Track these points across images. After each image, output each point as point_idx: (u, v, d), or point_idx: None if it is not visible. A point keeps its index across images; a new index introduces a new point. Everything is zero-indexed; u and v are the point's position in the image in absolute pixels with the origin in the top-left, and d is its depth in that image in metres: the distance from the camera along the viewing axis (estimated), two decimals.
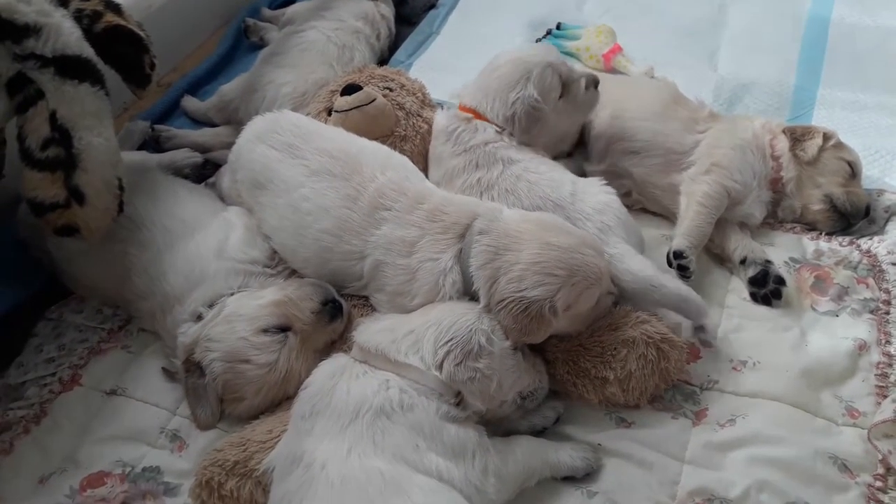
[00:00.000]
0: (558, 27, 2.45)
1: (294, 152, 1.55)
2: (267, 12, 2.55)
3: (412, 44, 2.45)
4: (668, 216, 1.79)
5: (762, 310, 1.59)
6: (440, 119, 1.74)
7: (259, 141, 1.61)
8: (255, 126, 1.65)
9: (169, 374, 1.49)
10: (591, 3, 2.61)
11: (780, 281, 1.61)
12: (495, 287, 1.32)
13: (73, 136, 1.42)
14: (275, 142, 1.59)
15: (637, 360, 1.36)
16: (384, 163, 1.53)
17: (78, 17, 1.49)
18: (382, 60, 2.35)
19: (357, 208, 1.46)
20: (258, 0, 2.59)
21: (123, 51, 1.56)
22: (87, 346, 1.55)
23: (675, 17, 2.52)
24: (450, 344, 1.26)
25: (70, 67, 1.42)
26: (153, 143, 2.02)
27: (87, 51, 1.47)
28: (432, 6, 2.61)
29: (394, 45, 2.45)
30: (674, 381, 1.44)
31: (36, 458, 1.38)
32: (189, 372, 1.42)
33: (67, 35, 1.43)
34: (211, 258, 1.52)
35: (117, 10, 1.58)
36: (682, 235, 1.65)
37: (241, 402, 1.40)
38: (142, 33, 1.60)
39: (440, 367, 1.25)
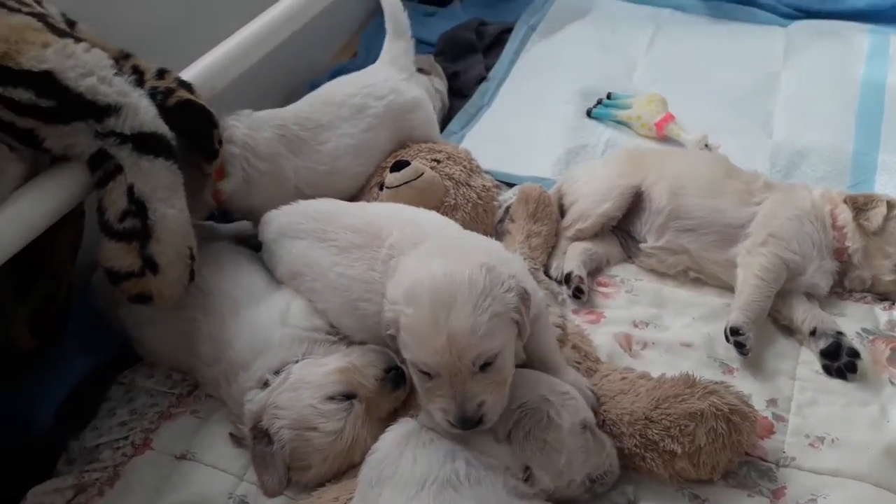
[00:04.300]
0: (609, 97, 2.48)
1: (321, 236, 1.59)
2: None
3: (465, 116, 2.51)
4: (728, 290, 1.76)
5: (836, 383, 1.54)
6: None
7: (284, 237, 1.65)
8: (278, 222, 1.68)
9: (236, 439, 1.50)
10: (641, 72, 2.65)
11: (854, 353, 1.56)
12: None
13: (149, 207, 1.48)
14: (300, 232, 1.62)
15: (706, 435, 1.32)
16: (402, 221, 1.54)
17: (153, 94, 1.57)
18: None
19: (379, 267, 1.46)
20: (318, 77, 2.69)
21: (194, 125, 1.62)
22: (157, 410, 1.58)
23: (727, 83, 2.53)
24: (518, 412, 1.25)
25: (146, 143, 1.49)
26: (220, 215, 2.09)
27: (162, 128, 1.53)
28: (483, 79, 2.68)
29: (447, 118, 2.51)
30: (746, 453, 1.39)
31: None
32: (256, 439, 1.43)
33: (144, 113, 1.50)
34: (275, 326, 1.55)
35: (189, 88, 1.66)
36: (739, 310, 1.62)
37: (307, 470, 1.40)
38: (211, 109, 1.67)
39: (508, 437, 1.23)
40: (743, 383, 1.50)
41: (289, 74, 2.59)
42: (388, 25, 2.07)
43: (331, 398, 1.40)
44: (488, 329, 1.19)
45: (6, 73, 1.35)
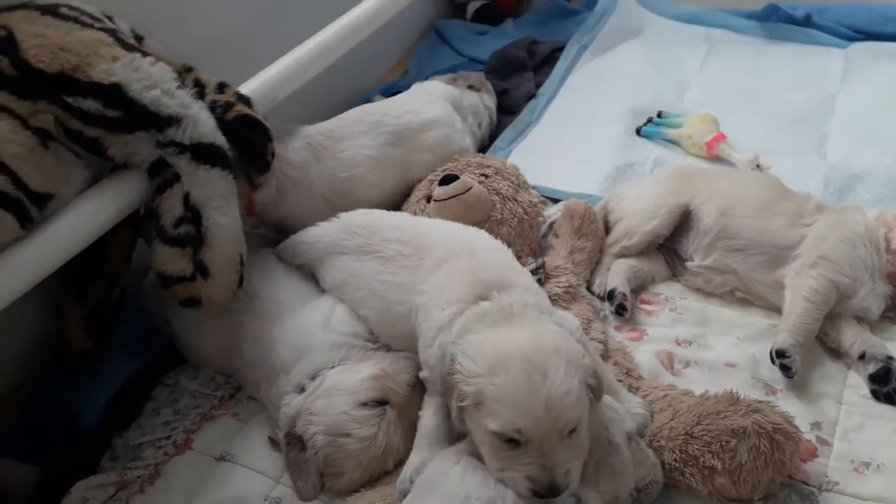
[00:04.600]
0: (659, 115, 2.47)
1: (365, 249, 1.62)
2: (379, 99, 2.68)
3: (512, 132, 2.52)
4: (775, 311, 1.73)
5: (885, 408, 1.50)
6: None
7: (330, 255, 1.69)
8: (322, 242, 1.71)
9: (274, 443, 1.53)
10: (693, 92, 2.63)
11: None
12: None
13: (203, 215, 1.54)
14: (344, 248, 1.66)
15: (748, 452, 1.30)
16: (450, 236, 1.58)
17: (213, 107, 1.63)
18: (483, 148, 2.43)
19: (420, 274, 1.50)
20: (369, 91, 2.76)
21: (250, 138, 1.68)
22: (199, 411, 1.62)
23: (781, 105, 2.49)
24: None
25: (204, 154, 1.55)
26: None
27: (220, 139, 1.59)
28: (532, 96, 2.70)
29: (494, 134, 2.53)
30: (789, 473, 1.36)
31: None
32: (290, 445, 1.46)
33: (204, 125, 1.56)
34: (317, 330, 1.58)
35: (247, 102, 1.72)
36: (786, 332, 1.59)
37: (341, 476, 1.42)
38: (267, 123, 1.73)
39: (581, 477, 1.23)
40: (787, 405, 1.46)
41: (340, 91, 2.66)
42: None
43: (364, 404, 1.42)
44: (578, 394, 1.21)
45: (77, 85, 1.43)
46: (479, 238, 1.60)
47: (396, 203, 2.01)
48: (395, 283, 1.53)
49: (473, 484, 1.22)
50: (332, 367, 1.52)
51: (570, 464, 1.21)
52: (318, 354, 1.54)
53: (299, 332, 1.58)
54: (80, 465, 1.53)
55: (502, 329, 1.29)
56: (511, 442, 1.21)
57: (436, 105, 2.16)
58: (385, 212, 1.78)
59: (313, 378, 1.51)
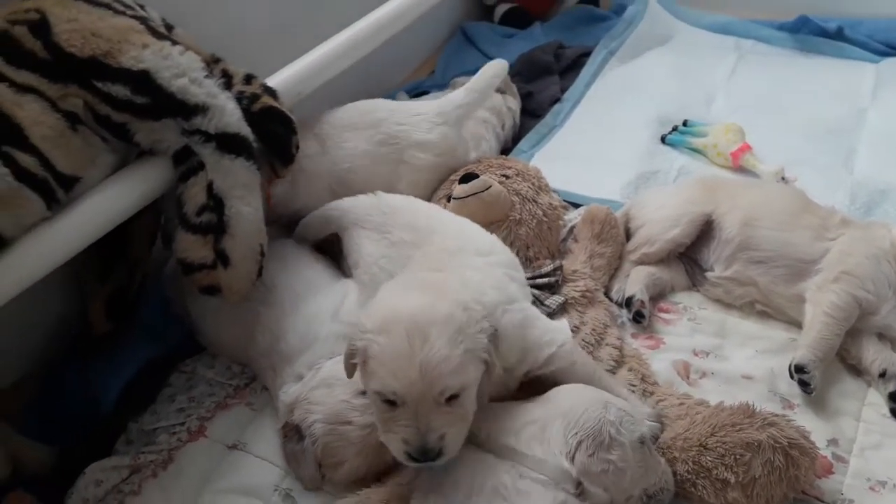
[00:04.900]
0: (685, 124, 2.46)
1: (382, 229, 1.65)
2: (402, 99, 2.67)
3: (536, 135, 2.51)
4: (795, 325, 1.71)
5: None
6: None
7: (356, 227, 1.71)
8: (354, 212, 1.74)
9: None
10: (721, 102, 2.61)
11: None
12: None
13: (226, 204, 1.55)
14: (367, 223, 1.68)
15: (763, 466, 1.28)
16: (453, 233, 1.60)
17: (239, 98, 1.64)
18: (505, 150, 2.43)
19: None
20: (394, 90, 2.77)
21: (275, 129, 1.69)
22: (214, 400, 1.63)
23: (809, 117, 2.46)
24: (579, 435, 1.24)
25: (229, 143, 1.56)
26: None
27: (245, 129, 1.60)
28: (557, 100, 2.69)
29: (517, 136, 2.53)
30: (803, 490, 1.34)
31: (160, 502, 1.45)
32: (287, 437, 1.46)
33: (230, 115, 1.57)
34: (326, 321, 1.59)
35: (273, 94, 1.73)
36: (806, 347, 1.58)
37: (341, 466, 1.41)
38: (292, 116, 1.74)
39: (572, 458, 1.23)
40: (804, 420, 1.44)
41: (366, 88, 2.65)
42: (474, 82, 2.06)
43: (363, 393, 1.40)
44: (459, 364, 1.22)
45: (107, 70, 1.45)
46: (481, 245, 1.59)
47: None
48: (390, 273, 1.54)
49: (469, 475, 1.24)
50: (331, 358, 1.51)
51: (447, 430, 1.23)
52: (324, 345, 1.54)
53: (309, 322, 1.59)
54: (96, 447, 1.55)
55: (403, 289, 1.33)
56: (391, 403, 1.24)
57: (437, 130, 1.98)
58: (419, 200, 1.78)
59: (312, 368, 1.51)
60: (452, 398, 1.23)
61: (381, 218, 1.67)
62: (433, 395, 1.21)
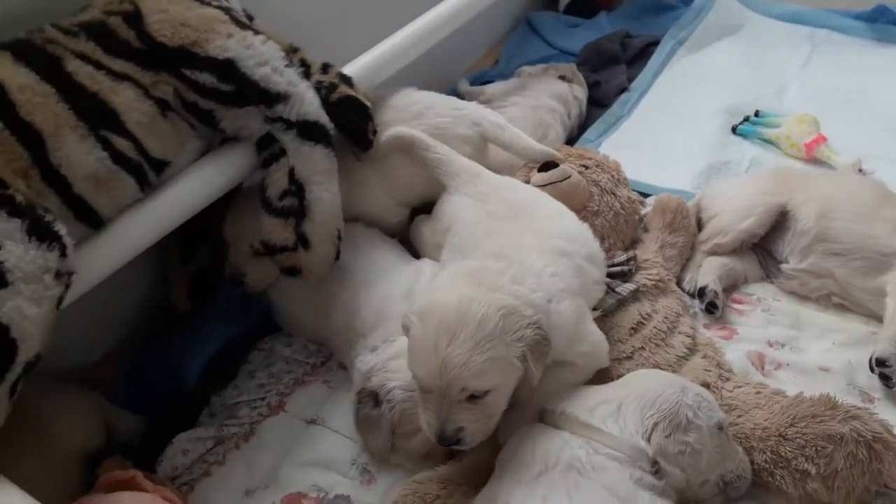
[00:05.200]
0: (757, 114, 2.41)
1: (482, 199, 1.68)
2: (465, 87, 2.67)
3: (602, 125, 2.50)
4: (874, 319, 1.68)
5: None
6: None
7: (457, 193, 1.74)
8: (458, 180, 1.77)
9: None
10: (794, 93, 2.56)
11: None
12: None
13: (306, 189, 1.60)
14: (469, 191, 1.72)
15: (845, 459, 1.27)
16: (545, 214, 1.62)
17: (318, 87, 1.69)
18: (572, 139, 2.42)
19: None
20: (456, 80, 2.77)
21: (352, 118, 1.73)
22: (293, 376, 1.69)
23: (886, 109, 2.40)
24: (656, 416, 1.25)
25: (309, 131, 1.61)
26: None
27: (324, 117, 1.65)
28: (624, 90, 2.67)
29: (583, 126, 2.52)
30: (886, 483, 1.32)
31: (243, 472, 1.51)
32: (361, 403, 1.50)
33: (309, 103, 1.62)
34: (399, 299, 1.63)
35: (350, 83, 1.77)
36: (887, 341, 1.55)
37: (414, 435, 1.44)
38: (368, 104, 1.78)
39: (649, 438, 1.25)
40: (885, 413, 1.41)
41: (432, 77, 2.68)
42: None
43: None
44: (482, 368, 1.24)
45: (194, 59, 1.51)
46: (569, 231, 1.60)
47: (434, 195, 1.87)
48: (475, 240, 1.56)
49: (545, 448, 1.27)
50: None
51: (466, 424, 1.26)
52: (396, 323, 1.54)
53: (382, 300, 1.64)
54: (181, 420, 1.62)
55: (456, 280, 1.35)
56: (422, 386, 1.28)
57: (475, 129, 1.95)
58: (523, 184, 1.81)
59: (386, 342, 1.55)
60: (475, 397, 1.26)
61: (483, 188, 1.71)
62: (454, 392, 1.25)
